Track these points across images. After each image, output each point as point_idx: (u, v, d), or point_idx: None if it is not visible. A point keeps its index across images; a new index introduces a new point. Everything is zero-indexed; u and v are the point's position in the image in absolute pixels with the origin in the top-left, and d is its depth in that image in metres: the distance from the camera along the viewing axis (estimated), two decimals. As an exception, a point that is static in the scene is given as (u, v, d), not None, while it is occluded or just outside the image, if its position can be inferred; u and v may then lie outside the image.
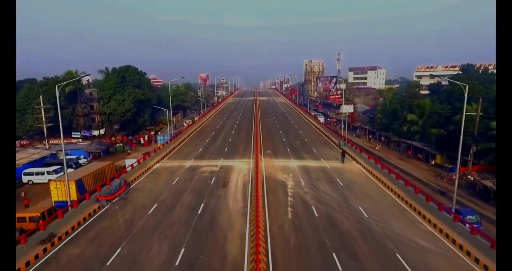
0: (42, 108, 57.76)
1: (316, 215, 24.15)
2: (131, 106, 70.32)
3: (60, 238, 20.44)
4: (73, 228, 21.84)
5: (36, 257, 18.42)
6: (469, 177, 40.24)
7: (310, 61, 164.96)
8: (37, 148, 57.08)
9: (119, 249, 19.30)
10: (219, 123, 71.55)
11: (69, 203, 23.60)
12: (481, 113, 41.17)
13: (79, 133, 72.29)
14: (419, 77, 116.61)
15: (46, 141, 58.85)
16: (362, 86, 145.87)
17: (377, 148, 56.48)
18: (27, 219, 21.80)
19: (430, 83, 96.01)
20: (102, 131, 74.27)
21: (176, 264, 17.82)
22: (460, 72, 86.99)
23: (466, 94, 23.36)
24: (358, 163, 38.47)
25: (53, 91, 67.38)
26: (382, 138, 65.46)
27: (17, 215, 22.42)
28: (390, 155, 54.28)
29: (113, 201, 26.58)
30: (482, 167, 41.80)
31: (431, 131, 54.02)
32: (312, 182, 31.71)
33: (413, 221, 23.50)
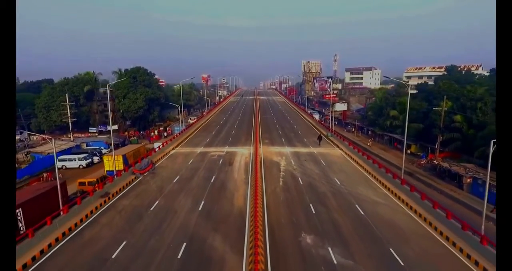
0: (67, 105, 65.14)
1: (301, 183, 31.76)
2: (143, 104, 77.85)
3: (113, 195, 28.14)
4: (120, 189, 29.56)
5: (100, 204, 26.12)
6: (435, 161, 47.72)
7: (308, 62, 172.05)
8: (62, 140, 64.62)
9: (157, 201, 26.98)
10: (222, 119, 79.23)
11: (114, 172, 31.40)
12: (446, 109, 48.58)
13: (95, 128, 79.79)
14: (409, 77, 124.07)
15: (71, 134, 66.39)
16: (357, 86, 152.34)
17: (368, 144, 63.10)
18: (87, 183, 29.52)
19: (418, 83, 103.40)
20: (116, 126, 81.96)
21: (199, 209, 25.47)
22: (446, 73, 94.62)
23: (409, 91, 30.90)
24: (340, 149, 46.14)
25: (73, 90, 75.34)
26: (370, 132, 72.88)
27: (79, 180, 30.27)
28: (374, 146, 61.67)
29: (145, 174, 34.22)
30: (447, 154, 49.25)
31: (410, 125, 61.26)
32: (301, 162, 39.32)
33: (374, 187, 31.10)
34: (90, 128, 79.40)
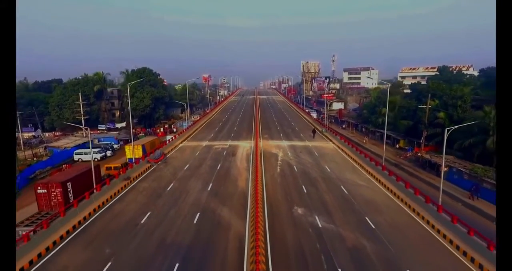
0: (81, 104, 69.69)
1: (296, 170, 36.32)
2: (149, 102, 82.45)
3: (133, 179, 32.75)
4: (139, 175, 34.17)
5: (125, 186, 30.75)
6: (419, 154, 52.28)
7: (307, 62, 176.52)
8: (75, 136, 69.26)
9: (172, 184, 31.57)
10: (224, 117, 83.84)
11: (133, 160, 36.11)
12: (430, 106, 53.06)
13: (104, 125, 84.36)
14: (403, 77, 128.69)
15: (83, 131, 70.91)
16: (355, 86, 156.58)
17: (364, 141, 67.29)
18: (112, 168, 34.21)
19: (411, 83, 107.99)
20: (123, 124, 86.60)
21: (208, 189, 30.06)
22: (438, 73, 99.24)
23: (388, 90, 35.37)
24: (333, 143, 50.74)
25: (84, 90, 79.89)
26: (363, 129, 77.40)
27: (106, 165, 35.02)
28: (367, 142, 66.16)
29: (158, 163, 38.82)
30: (431, 147, 53.76)
31: (401, 122, 65.79)
32: (296, 154, 43.90)
33: (359, 173, 35.67)
34: (99, 125, 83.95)
